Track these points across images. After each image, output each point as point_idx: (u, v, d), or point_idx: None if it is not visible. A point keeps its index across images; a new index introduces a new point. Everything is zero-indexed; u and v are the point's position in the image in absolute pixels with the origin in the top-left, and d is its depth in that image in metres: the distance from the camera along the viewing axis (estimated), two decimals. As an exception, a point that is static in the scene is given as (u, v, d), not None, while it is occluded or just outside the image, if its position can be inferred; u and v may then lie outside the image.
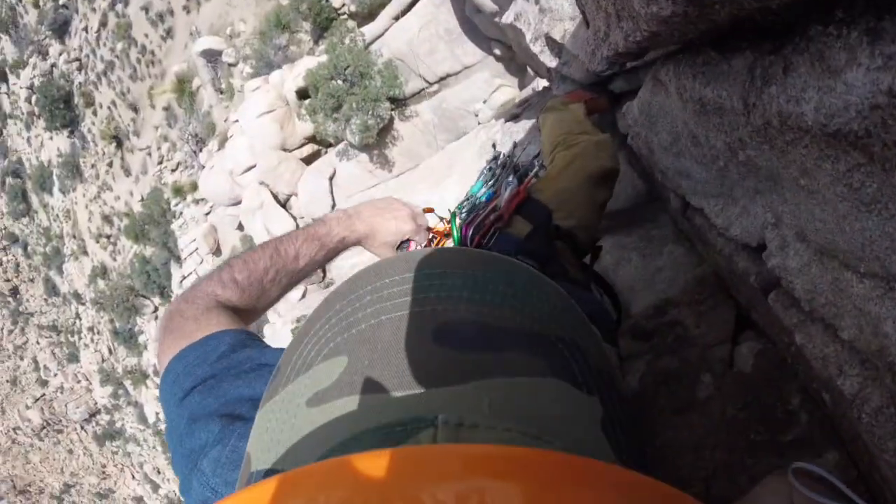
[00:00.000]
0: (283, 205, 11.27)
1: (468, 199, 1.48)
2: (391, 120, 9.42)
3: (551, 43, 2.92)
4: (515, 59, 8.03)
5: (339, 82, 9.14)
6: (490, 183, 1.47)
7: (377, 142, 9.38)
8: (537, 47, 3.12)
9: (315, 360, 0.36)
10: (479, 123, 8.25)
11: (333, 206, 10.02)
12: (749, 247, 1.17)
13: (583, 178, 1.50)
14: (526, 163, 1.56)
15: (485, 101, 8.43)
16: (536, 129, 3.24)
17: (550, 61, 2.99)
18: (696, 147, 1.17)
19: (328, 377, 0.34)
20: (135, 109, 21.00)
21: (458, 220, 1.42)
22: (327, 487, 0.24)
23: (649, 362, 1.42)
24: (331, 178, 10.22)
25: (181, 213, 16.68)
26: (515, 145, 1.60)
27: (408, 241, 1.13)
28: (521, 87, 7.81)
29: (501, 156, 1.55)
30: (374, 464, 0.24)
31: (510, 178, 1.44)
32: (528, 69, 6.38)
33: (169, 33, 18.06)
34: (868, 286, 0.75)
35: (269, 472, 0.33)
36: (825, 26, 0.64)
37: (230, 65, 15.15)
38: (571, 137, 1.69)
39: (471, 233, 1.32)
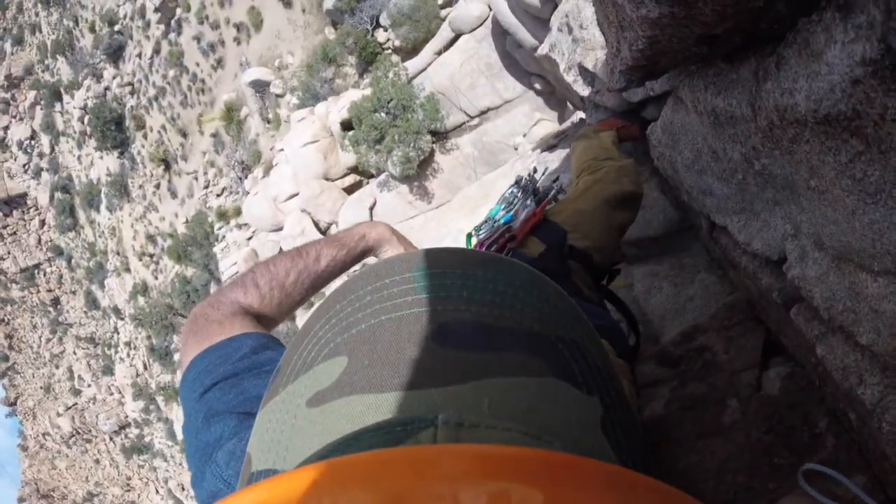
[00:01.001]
0: (324, 232, 11.36)
1: (486, 221, 1.51)
2: (432, 152, 9.52)
3: (584, 72, 2.98)
4: (555, 94, 8.06)
5: (383, 115, 9.31)
6: (509, 206, 1.50)
7: (417, 174, 9.47)
8: (571, 77, 3.19)
9: (315, 360, 0.36)
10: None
11: None
12: (771, 261, 1.18)
13: (601, 201, 1.53)
14: (546, 187, 1.58)
15: (524, 135, 8.46)
16: (570, 158, 3.33)
17: (583, 90, 3.04)
18: (716, 162, 1.19)
19: (328, 377, 0.34)
20: (184, 135, 21.52)
21: (473, 240, 1.46)
22: (327, 487, 0.23)
23: (675, 388, 1.43)
24: (371, 208, 10.32)
25: (224, 236, 16.90)
26: (535, 170, 1.63)
27: None
28: (561, 120, 7.80)
29: (522, 180, 1.57)
30: (374, 464, 0.24)
31: (528, 202, 1.48)
32: (568, 103, 6.42)
33: (219, 63, 18.58)
34: (882, 284, 0.76)
35: (269, 473, 0.33)
36: (810, 15, 0.65)
37: (277, 95, 15.53)
38: (596, 163, 1.72)
39: (483, 250, 1.38)
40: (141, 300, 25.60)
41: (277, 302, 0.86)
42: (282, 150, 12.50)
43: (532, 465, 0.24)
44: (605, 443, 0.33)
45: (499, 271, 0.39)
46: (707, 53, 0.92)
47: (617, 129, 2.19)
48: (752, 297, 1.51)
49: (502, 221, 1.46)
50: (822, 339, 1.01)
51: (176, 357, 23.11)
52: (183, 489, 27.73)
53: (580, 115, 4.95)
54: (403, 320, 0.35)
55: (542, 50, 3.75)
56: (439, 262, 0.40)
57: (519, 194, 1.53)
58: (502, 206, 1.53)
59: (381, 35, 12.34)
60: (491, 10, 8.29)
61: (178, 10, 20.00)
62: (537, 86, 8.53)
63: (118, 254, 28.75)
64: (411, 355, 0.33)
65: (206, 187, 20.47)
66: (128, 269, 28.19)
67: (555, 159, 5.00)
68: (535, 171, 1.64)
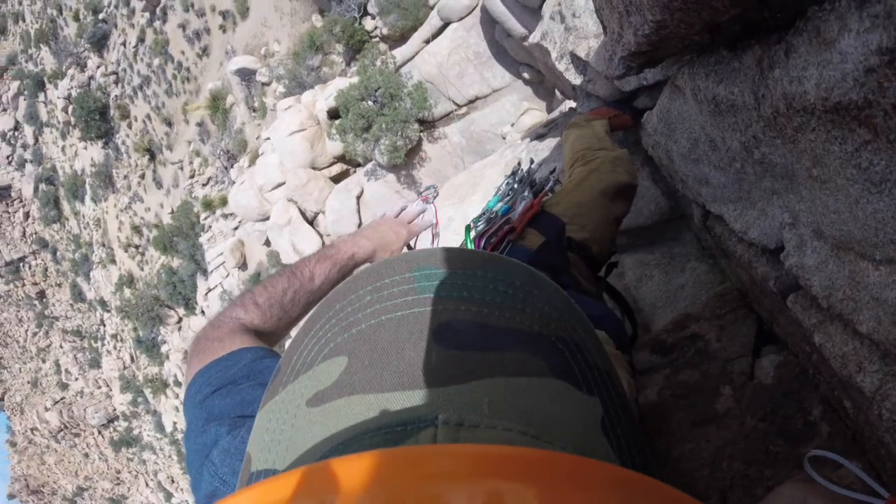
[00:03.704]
0: (311, 222, 11.38)
1: (484, 214, 1.50)
2: (420, 141, 9.51)
3: (576, 60, 2.99)
4: (544, 83, 8.08)
5: (370, 103, 9.28)
6: (507, 198, 1.49)
7: (405, 162, 9.46)
8: (562, 65, 3.19)
9: (315, 360, 0.36)
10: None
11: (360, 224, 10.07)
12: (767, 250, 1.19)
13: (598, 192, 1.53)
14: (543, 178, 1.58)
15: (512, 125, 8.46)
16: (560, 147, 3.26)
17: (575, 79, 3.06)
18: (714, 151, 1.19)
19: (328, 377, 0.34)
20: (169, 124, 21.40)
21: (472, 233, 1.45)
22: (328, 488, 0.24)
23: (668, 376, 1.43)
24: (358, 197, 10.31)
25: (210, 226, 16.87)
26: (532, 161, 1.63)
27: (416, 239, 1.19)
28: (549, 110, 7.81)
29: (519, 172, 1.57)
30: (374, 464, 0.24)
31: (525, 193, 1.48)
32: (557, 92, 6.44)
33: (205, 51, 18.45)
34: (884, 272, 0.76)
35: (269, 473, 0.33)
36: (821, 4, 0.65)
37: (264, 84, 15.41)
38: (590, 153, 1.72)
39: (483, 244, 1.36)
40: (127, 292, 25.52)
41: (277, 319, 0.90)
42: (268, 138, 12.44)
43: (527, 465, 0.24)
44: (605, 443, 0.33)
45: (499, 271, 0.39)
46: (708, 42, 0.92)
47: (609, 118, 2.18)
48: (745, 287, 1.51)
49: (500, 213, 1.45)
50: (820, 328, 1.01)
51: (163, 349, 23.06)
52: (173, 482, 27.78)
53: (569, 104, 4.94)
54: (404, 320, 0.35)
55: (534, 38, 3.68)
56: (439, 262, 0.39)
57: (516, 185, 1.53)
58: (499, 198, 1.52)
59: (368, 23, 12.28)
60: None
61: None
62: (526, 75, 8.53)
63: (103, 245, 28.66)
64: (411, 355, 0.33)
65: (192, 177, 20.37)
66: (113, 261, 28.11)
67: (545, 148, 4.99)
68: (531, 161, 1.62)
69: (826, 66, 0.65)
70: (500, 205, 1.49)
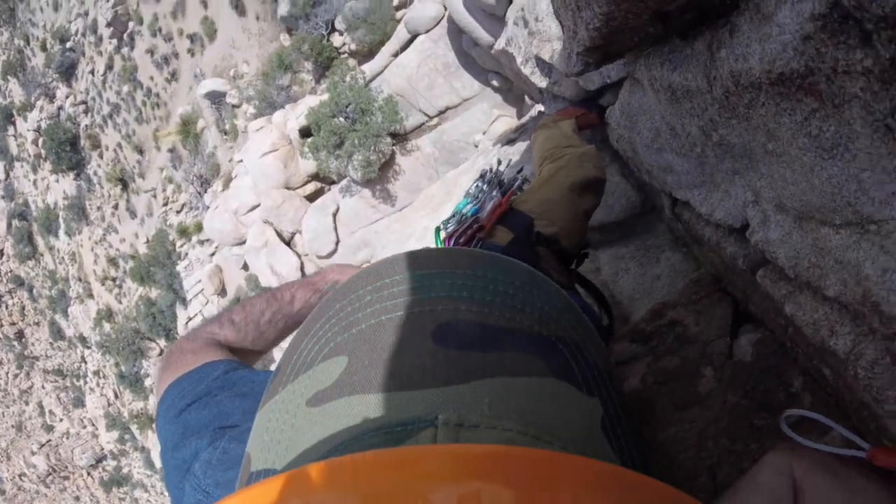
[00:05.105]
0: (288, 243, 11.28)
1: (454, 216, 1.51)
2: (393, 155, 9.50)
3: (541, 64, 3.02)
4: (513, 89, 8.13)
5: (341, 119, 9.28)
6: (476, 200, 1.51)
7: (379, 177, 9.45)
8: (528, 69, 3.24)
9: (315, 359, 0.36)
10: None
11: (337, 241, 10.04)
12: (734, 230, 1.21)
13: (566, 187, 1.55)
14: (511, 178, 1.60)
15: (484, 132, 8.51)
16: (530, 150, 3.33)
17: (541, 82, 3.09)
18: (675, 138, 1.21)
19: (328, 377, 0.34)
20: (140, 151, 21.23)
21: (442, 234, 1.47)
22: (328, 488, 0.24)
23: (649, 363, 1.43)
24: (334, 215, 10.26)
25: (186, 254, 16.63)
26: (500, 162, 1.65)
27: None
28: (520, 116, 7.88)
29: (488, 174, 1.59)
30: (374, 464, 0.24)
31: (494, 193, 1.50)
32: (526, 98, 6.52)
33: (174, 76, 18.41)
34: (844, 235, 0.78)
35: (268, 472, 0.33)
36: None
37: (234, 106, 15.39)
38: (558, 151, 1.74)
39: (452, 243, 1.35)
40: (106, 326, 25.19)
41: (252, 338, 0.90)
42: (240, 161, 12.37)
43: (531, 466, 0.24)
44: (605, 443, 0.33)
45: (499, 271, 0.39)
46: (662, 33, 0.95)
47: (576, 117, 2.22)
48: (718, 271, 1.53)
49: (469, 214, 1.47)
50: (790, 298, 1.03)
51: (147, 383, 22.69)
52: (164, 518, 27.16)
53: (539, 108, 5.00)
54: (404, 320, 0.35)
55: (499, 45, 3.76)
56: (440, 262, 0.40)
57: (484, 187, 1.55)
58: (469, 201, 1.54)
59: (336, 39, 12.36)
60: (446, 9, 8.31)
61: (131, 24, 19.88)
62: (495, 82, 8.59)
63: (80, 280, 28.30)
64: (411, 355, 0.33)
65: (166, 204, 20.23)
66: (91, 295, 27.75)
67: (515, 152, 5.04)
68: (498, 163, 1.64)
69: (767, 40, 0.68)
70: (469, 206, 1.51)
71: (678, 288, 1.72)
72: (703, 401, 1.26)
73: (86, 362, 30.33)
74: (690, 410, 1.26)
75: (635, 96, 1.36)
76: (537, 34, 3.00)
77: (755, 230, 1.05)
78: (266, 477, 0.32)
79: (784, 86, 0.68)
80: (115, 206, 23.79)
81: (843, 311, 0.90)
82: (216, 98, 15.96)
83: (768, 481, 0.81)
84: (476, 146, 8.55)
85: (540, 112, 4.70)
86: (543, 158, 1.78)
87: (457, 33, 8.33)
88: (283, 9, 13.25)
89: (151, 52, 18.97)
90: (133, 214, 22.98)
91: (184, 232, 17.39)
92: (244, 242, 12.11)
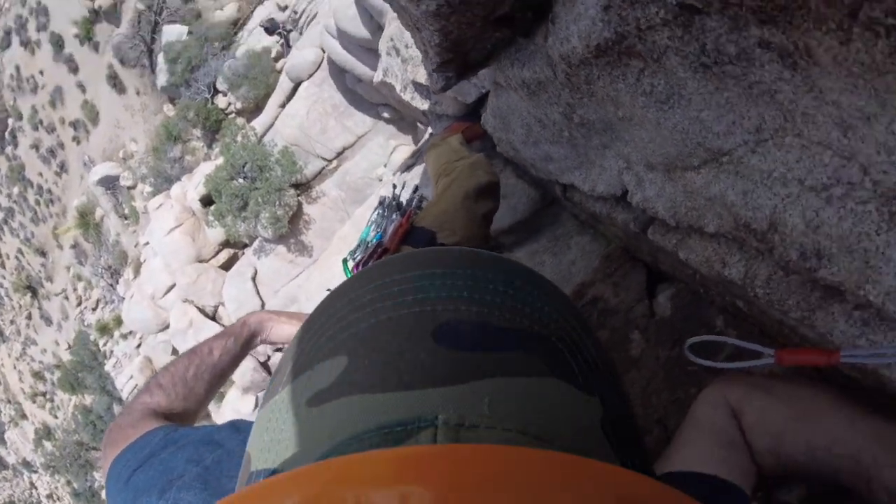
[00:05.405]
0: (213, 317, 10.98)
1: (360, 245, 1.57)
2: (299, 205, 9.50)
3: (419, 87, 3.21)
4: (404, 118, 8.30)
5: (241, 180, 9.23)
6: (378, 226, 1.58)
7: (291, 230, 9.41)
8: (408, 95, 3.44)
9: (315, 359, 0.35)
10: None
11: (262, 305, 9.86)
12: (617, 198, 1.26)
13: (460, 197, 1.61)
14: (409, 199, 1.70)
15: (385, 165, 8.63)
16: (426, 171, 3.41)
17: (423, 105, 3.28)
18: (544, 129, 1.28)
19: (328, 377, 0.33)
20: (42, 253, 20.77)
21: (350, 264, 1.52)
22: (327, 488, 0.24)
23: None
24: (253, 279, 10.09)
25: (111, 351, 16.22)
26: (395, 187, 1.74)
27: None
28: (416, 142, 8.04)
29: (385, 200, 1.67)
30: (374, 464, 0.24)
31: (394, 216, 1.57)
32: (418, 124, 6.58)
33: (63, 168, 18.05)
34: (705, 173, 0.84)
35: (268, 472, 0.32)
36: None
37: (129, 188, 15.12)
38: (450, 166, 1.83)
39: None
40: (48, 445, 24.30)
41: (182, 395, 0.92)
42: (147, 243, 12.24)
43: (530, 466, 0.24)
44: (605, 443, 0.33)
45: (499, 271, 0.39)
46: (511, 36, 1.02)
47: (462, 131, 2.34)
48: (623, 241, 1.60)
49: (374, 241, 1.52)
50: (681, 245, 1.08)
51: (103, 494, 21.40)
52: None
53: (430, 130, 5.15)
54: (403, 320, 0.35)
55: (377, 77, 3.91)
56: (440, 262, 0.39)
57: (385, 213, 1.61)
58: (371, 228, 1.60)
59: (221, 101, 12.48)
60: (324, 52, 8.46)
61: (10, 120, 19.28)
62: (385, 115, 8.74)
63: (9, 402, 27.09)
64: (411, 355, 0.33)
65: (80, 304, 19.82)
66: (24, 416, 27.02)
67: (414, 177, 5.16)
68: (394, 188, 1.73)
69: (578, 20, 0.76)
70: (373, 234, 1.56)
71: (594, 266, 1.82)
72: (637, 363, 1.34)
73: (35, 488, 29.16)
74: (628, 375, 1.33)
75: (502, 99, 1.45)
76: (409, 60, 3.18)
77: (633, 193, 1.11)
78: (266, 477, 0.32)
79: (607, 55, 0.75)
80: (29, 317, 23.17)
81: (729, 241, 0.95)
82: (110, 183, 15.70)
83: (706, 414, 0.90)
84: (380, 180, 8.66)
85: (431, 134, 4.77)
86: (438, 175, 1.85)
87: (339, 73, 8.51)
88: (162, 79, 13.18)
89: (36, 146, 18.67)
90: (48, 321, 22.34)
91: (104, 329, 17.00)
92: (168, 327, 11.70)
